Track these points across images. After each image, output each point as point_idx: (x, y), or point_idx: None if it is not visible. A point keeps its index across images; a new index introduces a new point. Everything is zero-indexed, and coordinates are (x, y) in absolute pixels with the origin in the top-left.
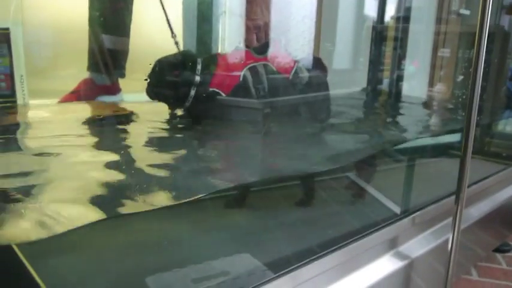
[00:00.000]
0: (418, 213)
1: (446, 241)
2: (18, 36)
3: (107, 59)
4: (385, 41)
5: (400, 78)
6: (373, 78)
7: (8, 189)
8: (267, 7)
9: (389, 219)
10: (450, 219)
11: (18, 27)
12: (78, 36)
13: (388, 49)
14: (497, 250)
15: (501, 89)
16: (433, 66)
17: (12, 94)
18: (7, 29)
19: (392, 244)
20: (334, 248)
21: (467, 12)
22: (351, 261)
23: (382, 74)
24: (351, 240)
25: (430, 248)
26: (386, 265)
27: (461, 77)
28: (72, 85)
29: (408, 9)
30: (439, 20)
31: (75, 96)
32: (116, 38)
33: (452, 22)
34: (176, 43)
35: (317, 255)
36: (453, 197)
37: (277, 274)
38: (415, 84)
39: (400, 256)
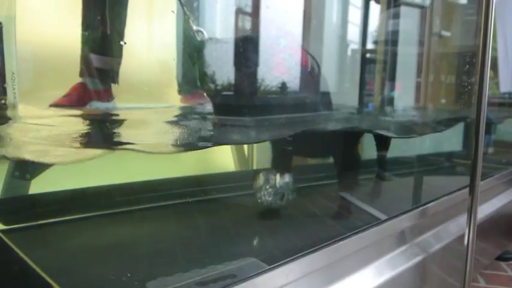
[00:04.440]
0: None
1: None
2: (11, 31)
3: (100, 64)
4: (368, 65)
5: (383, 100)
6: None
7: None
8: None
9: None
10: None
11: (11, 22)
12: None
13: (371, 74)
14: (500, 258)
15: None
16: (417, 88)
17: (3, 91)
18: None
19: (406, 237)
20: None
21: (448, 33)
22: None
23: (368, 97)
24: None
25: (444, 244)
26: (401, 258)
27: (445, 95)
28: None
29: (389, 33)
30: (421, 43)
31: (68, 100)
32: (109, 40)
33: (434, 44)
34: None
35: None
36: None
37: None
38: (399, 104)
39: (415, 250)
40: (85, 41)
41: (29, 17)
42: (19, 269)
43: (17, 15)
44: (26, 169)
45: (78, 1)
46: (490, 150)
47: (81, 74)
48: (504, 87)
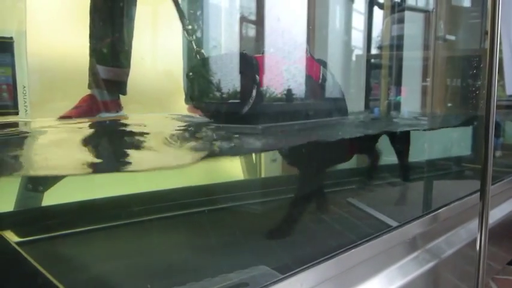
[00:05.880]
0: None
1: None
2: (22, 46)
3: (108, 76)
4: (374, 71)
5: (389, 105)
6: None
7: None
8: None
9: None
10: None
11: (22, 37)
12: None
13: (376, 79)
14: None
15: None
16: (424, 92)
17: (15, 105)
18: (11, 38)
19: (417, 244)
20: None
21: (452, 37)
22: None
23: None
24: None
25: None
26: (412, 265)
27: (451, 99)
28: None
29: (394, 38)
30: (426, 47)
31: (77, 111)
32: (117, 51)
33: (439, 47)
34: None
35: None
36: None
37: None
38: (404, 110)
39: (427, 257)
40: (93, 53)
41: (39, 32)
42: (41, 283)
43: (28, 30)
44: (38, 181)
45: (86, 14)
46: (499, 153)
47: (90, 86)
48: (510, 90)
